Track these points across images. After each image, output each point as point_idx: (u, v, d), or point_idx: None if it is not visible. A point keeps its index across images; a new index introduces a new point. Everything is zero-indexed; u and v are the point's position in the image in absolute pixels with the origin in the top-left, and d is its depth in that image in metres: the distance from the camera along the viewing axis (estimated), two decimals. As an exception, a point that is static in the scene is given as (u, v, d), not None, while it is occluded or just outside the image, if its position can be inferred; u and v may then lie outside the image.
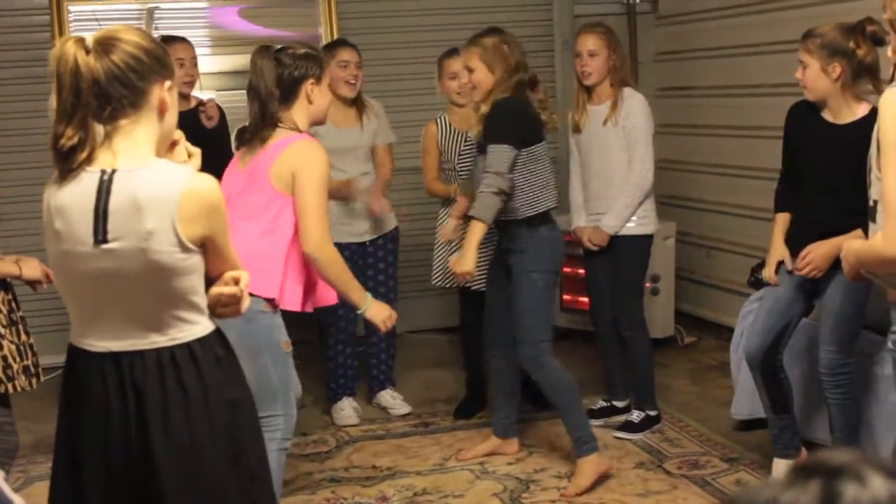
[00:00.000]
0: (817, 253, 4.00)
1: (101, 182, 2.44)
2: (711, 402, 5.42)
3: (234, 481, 2.61)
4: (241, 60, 6.50)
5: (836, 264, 3.99)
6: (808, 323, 4.29)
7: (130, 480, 2.53)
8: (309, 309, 3.83)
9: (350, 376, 5.51)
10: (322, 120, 3.86)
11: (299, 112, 3.71)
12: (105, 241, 2.44)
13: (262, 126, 3.67)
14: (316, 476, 4.73)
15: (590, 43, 4.89)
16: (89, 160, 2.45)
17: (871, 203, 2.66)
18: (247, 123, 3.77)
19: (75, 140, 2.43)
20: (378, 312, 3.89)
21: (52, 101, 2.46)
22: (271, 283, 3.56)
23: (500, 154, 4.34)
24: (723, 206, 6.28)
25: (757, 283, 4.67)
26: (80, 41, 2.45)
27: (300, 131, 3.70)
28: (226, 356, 2.64)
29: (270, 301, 3.57)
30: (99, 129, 2.46)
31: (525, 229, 4.46)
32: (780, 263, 4.18)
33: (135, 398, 2.51)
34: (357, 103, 5.41)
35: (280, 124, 3.68)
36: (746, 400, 4.69)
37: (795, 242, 4.13)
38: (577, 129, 5.05)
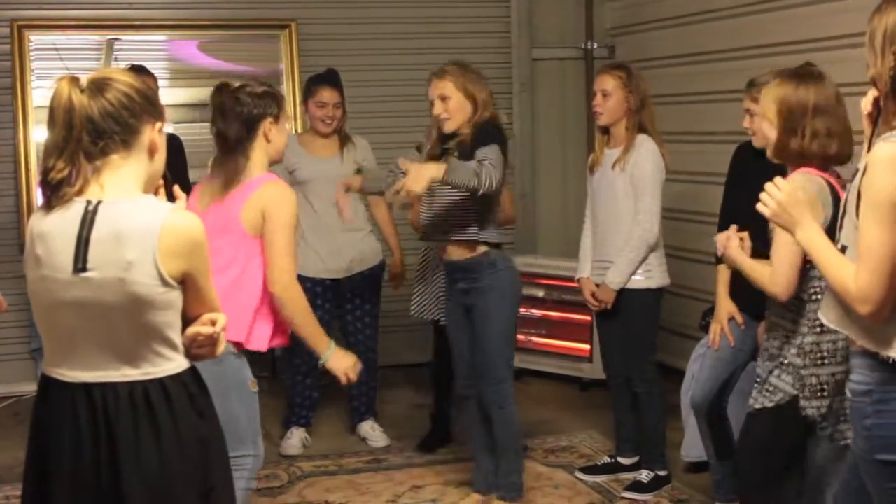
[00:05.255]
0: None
1: (86, 212, 2.48)
2: (662, 443, 5.48)
3: None
4: (199, 94, 6.54)
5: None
6: (755, 365, 4.35)
7: None
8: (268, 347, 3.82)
9: (306, 406, 5.55)
10: (279, 159, 3.86)
11: (258, 151, 3.70)
12: (84, 269, 2.47)
13: (233, 162, 3.69)
14: (268, 511, 4.74)
15: (605, 83, 4.78)
16: (80, 193, 2.50)
17: (838, 247, 2.71)
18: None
19: (65, 173, 2.48)
20: (340, 362, 3.78)
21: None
22: (240, 325, 3.57)
23: (492, 151, 4.25)
24: (673, 251, 6.34)
25: (707, 328, 4.72)
26: (75, 80, 2.51)
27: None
28: (199, 394, 2.65)
29: (237, 343, 3.58)
30: (88, 165, 2.49)
31: (487, 266, 4.42)
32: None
33: (106, 431, 2.51)
34: (340, 136, 5.47)
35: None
36: (696, 442, 4.74)
37: (741, 295, 4.20)
38: (591, 171, 4.92)
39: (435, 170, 4.11)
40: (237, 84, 3.76)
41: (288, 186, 3.76)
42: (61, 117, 2.48)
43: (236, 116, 3.66)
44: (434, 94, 4.44)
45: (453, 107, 4.40)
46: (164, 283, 2.49)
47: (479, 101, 4.41)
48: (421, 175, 4.10)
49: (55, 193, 2.50)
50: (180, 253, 2.51)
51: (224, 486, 2.70)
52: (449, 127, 4.41)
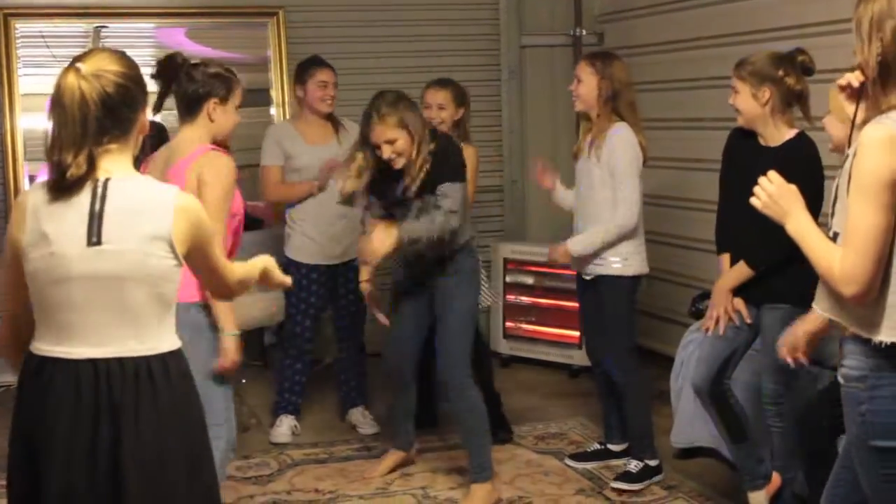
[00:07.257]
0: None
1: (95, 187, 2.53)
2: (651, 430, 5.48)
3: (192, 499, 2.65)
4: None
5: (775, 296, 4.09)
6: (750, 353, 4.34)
7: (94, 490, 2.53)
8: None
9: (296, 392, 5.56)
10: (225, 139, 3.92)
11: (200, 128, 3.78)
12: (99, 242, 2.52)
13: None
14: (258, 499, 4.72)
15: (580, 69, 4.80)
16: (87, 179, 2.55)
17: (829, 234, 2.71)
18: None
19: (83, 169, 2.52)
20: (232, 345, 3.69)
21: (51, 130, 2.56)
22: (193, 287, 3.49)
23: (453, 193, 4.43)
24: (662, 237, 6.36)
25: (697, 314, 4.70)
26: (78, 71, 2.53)
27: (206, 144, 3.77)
28: (188, 369, 2.71)
29: (204, 306, 3.62)
30: (93, 153, 2.54)
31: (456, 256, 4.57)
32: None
33: (108, 407, 2.53)
34: (332, 121, 5.52)
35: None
36: (686, 428, 4.75)
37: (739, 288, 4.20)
38: (575, 157, 4.91)
39: (391, 237, 4.38)
40: (194, 61, 3.83)
41: (228, 157, 3.75)
42: (77, 114, 2.51)
43: (182, 91, 3.76)
44: (380, 139, 4.46)
45: (400, 146, 4.45)
46: (176, 256, 2.58)
47: (418, 130, 4.47)
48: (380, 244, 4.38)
49: (71, 187, 2.52)
50: (190, 230, 2.60)
51: (208, 466, 2.74)
52: (398, 164, 4.48)
